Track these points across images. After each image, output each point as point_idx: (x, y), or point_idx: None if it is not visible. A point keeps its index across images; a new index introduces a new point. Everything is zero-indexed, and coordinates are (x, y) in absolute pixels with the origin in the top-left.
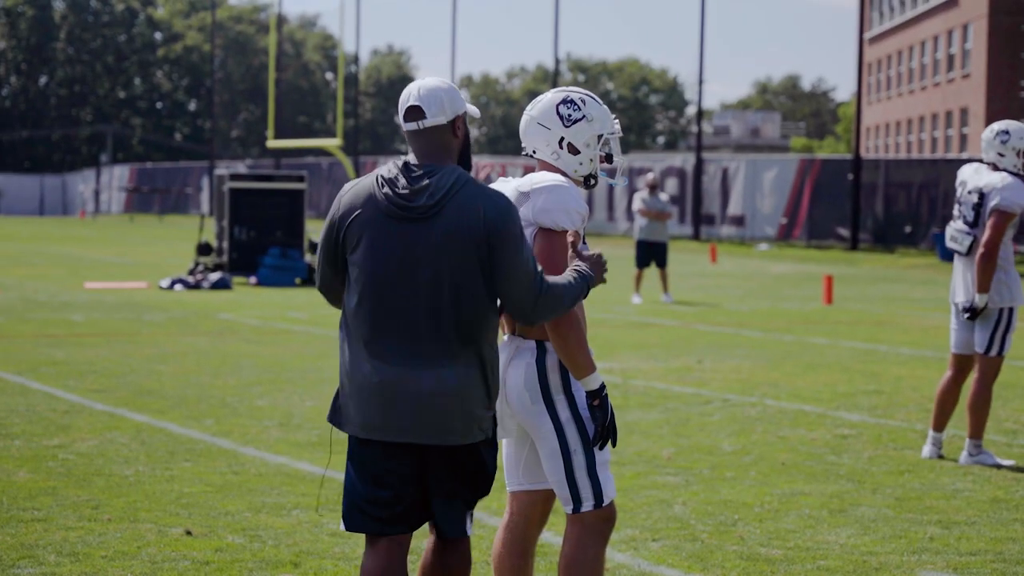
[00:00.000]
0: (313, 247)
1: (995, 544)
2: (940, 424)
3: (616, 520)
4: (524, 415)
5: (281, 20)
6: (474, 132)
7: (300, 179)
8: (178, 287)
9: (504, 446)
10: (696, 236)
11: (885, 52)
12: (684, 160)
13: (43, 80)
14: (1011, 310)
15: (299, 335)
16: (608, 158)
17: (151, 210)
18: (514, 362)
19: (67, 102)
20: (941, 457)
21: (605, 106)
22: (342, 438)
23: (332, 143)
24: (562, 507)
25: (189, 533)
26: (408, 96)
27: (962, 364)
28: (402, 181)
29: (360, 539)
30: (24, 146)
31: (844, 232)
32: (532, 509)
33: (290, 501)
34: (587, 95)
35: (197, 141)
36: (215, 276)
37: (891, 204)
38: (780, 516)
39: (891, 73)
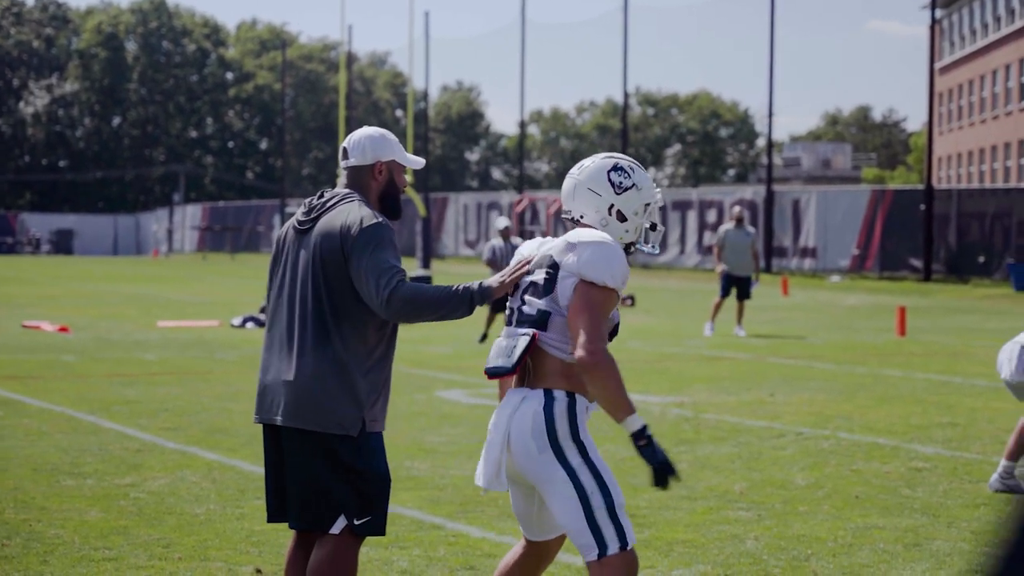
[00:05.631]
0: None
1: None
2: (1014, 453)
3: (638, 570)
4: (529, 466)
5: (351, 58)
6: (543, 167)
7: None
8: (250, 325)
9: (512, 498)
10: (768, 268)
11: (956, 81)
12: (755, 192)
13: (116, 121)
14: None
15: None
16: (653, 227)
17: (223, 248)
18: (520, 411)
19: (140, 142)
20: (1010, 489)
21: (648, 174)
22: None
23: None
24: (583, 557)
25: (259, 572)
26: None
27: None
28: (311, 203)
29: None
30: (98, 186)
31: (917, 263)
32: (547, 550)
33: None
34: (635, 163)
35: (268, 179)
36: None
37: (964, 234)
38: (854, 551)
39: (962, 103)
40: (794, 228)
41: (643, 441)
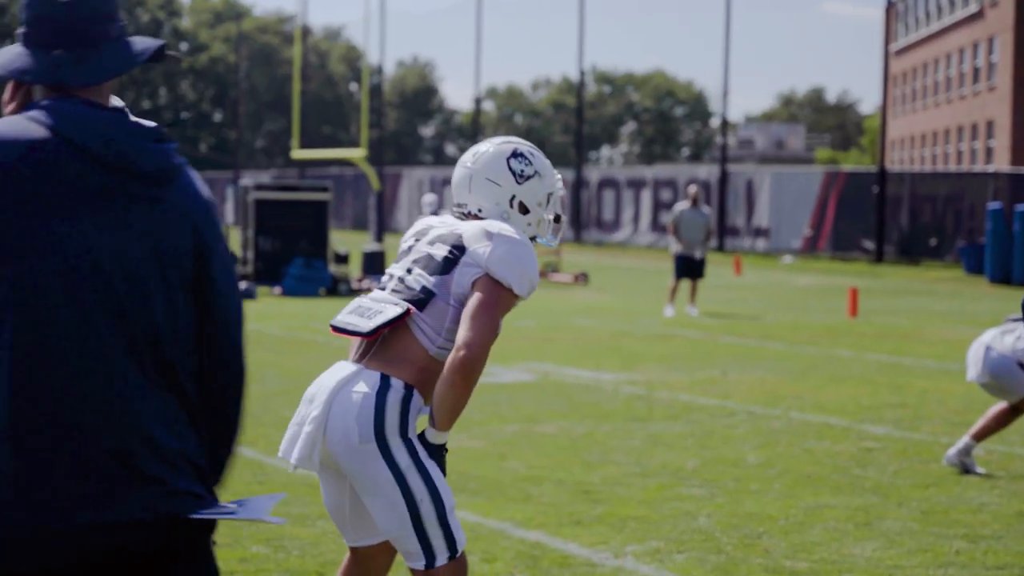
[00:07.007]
0: (338, 258)
1: (1022, 558)
2: (980, 434)
3: (468, 572)
4: (344, 453)
5: (306, 31)
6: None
7: (324, 190)
8: None
9: (321, 486)
10: (720, 248)
11: (911, 64)
12: (709, 172)
13: None
14: None
15: (323, 346)
16: (556, 219)
17: None
18: (348, 388)
19: None
20: (964, 466)
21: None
22: None
23: (356, 154)
24: (407, 562)
25: (213, 543)
26: None
27: None
28: None
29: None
30: None
31: (869, 244)
32: (372, 564)
33: (315, 511)
34: (534, 147)
35: (222, 152)
36: (240, 286)
37: (916, 217)
38: (805, 529)
39: (916, 86)
40: (747, 208)
41: (443, 451)
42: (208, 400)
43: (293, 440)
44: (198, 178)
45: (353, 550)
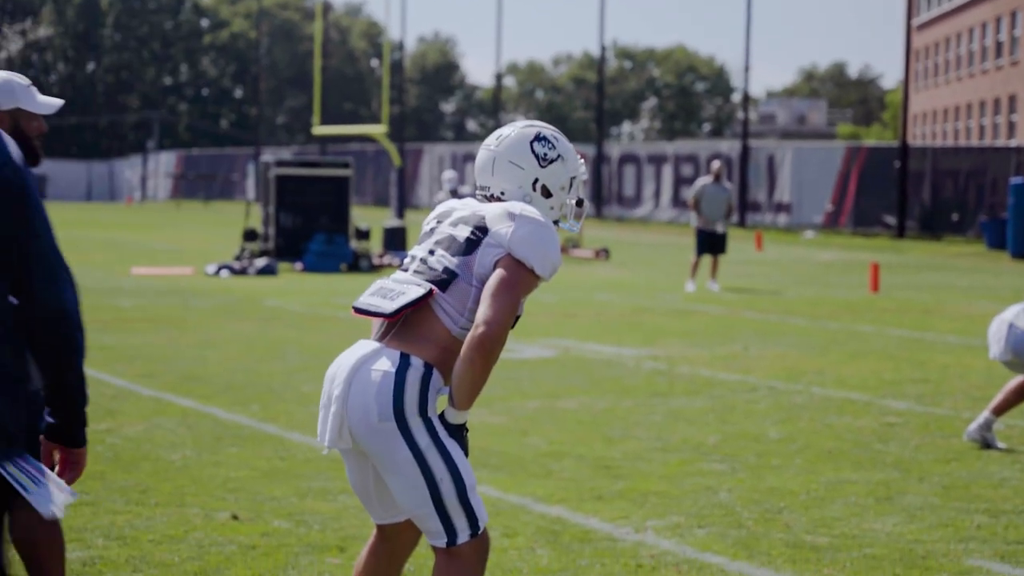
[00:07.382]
0: (359, 234)
1: None
2: (1000, 408)
3: (490, 550)
4: (364, 431)
5: (327, 7)
6: (519, 119)
7: (346, 166)
8: (224, 273)
9: (345, 465)
10: (742, 223)
11: (933, 39)
12: (730, 147)
13: (90, 67)
14: None
15: (344, 321)
16: (579, 203)
17: (197, 196)
18: (367, 366)
19: (114, 89)
20: (984, 441)
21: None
22: None
23: (377, 130)
24: (429, 540)
25: (236, 517)
26: None
27: None
28: None
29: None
30: (71, 132)
31: (891, 220)
32: (400, 540)
33: (336, 486)
34: (557, 131)
35: (243, 128)
36: (261, 262)
37: (938, 192)
38: (826, 504)
39: (939, 60)
40: (769, 183)
41: (464, 431)
42: (42, 349)
43: (324, 423)
44: (14, 150)
45: (379, 527)
